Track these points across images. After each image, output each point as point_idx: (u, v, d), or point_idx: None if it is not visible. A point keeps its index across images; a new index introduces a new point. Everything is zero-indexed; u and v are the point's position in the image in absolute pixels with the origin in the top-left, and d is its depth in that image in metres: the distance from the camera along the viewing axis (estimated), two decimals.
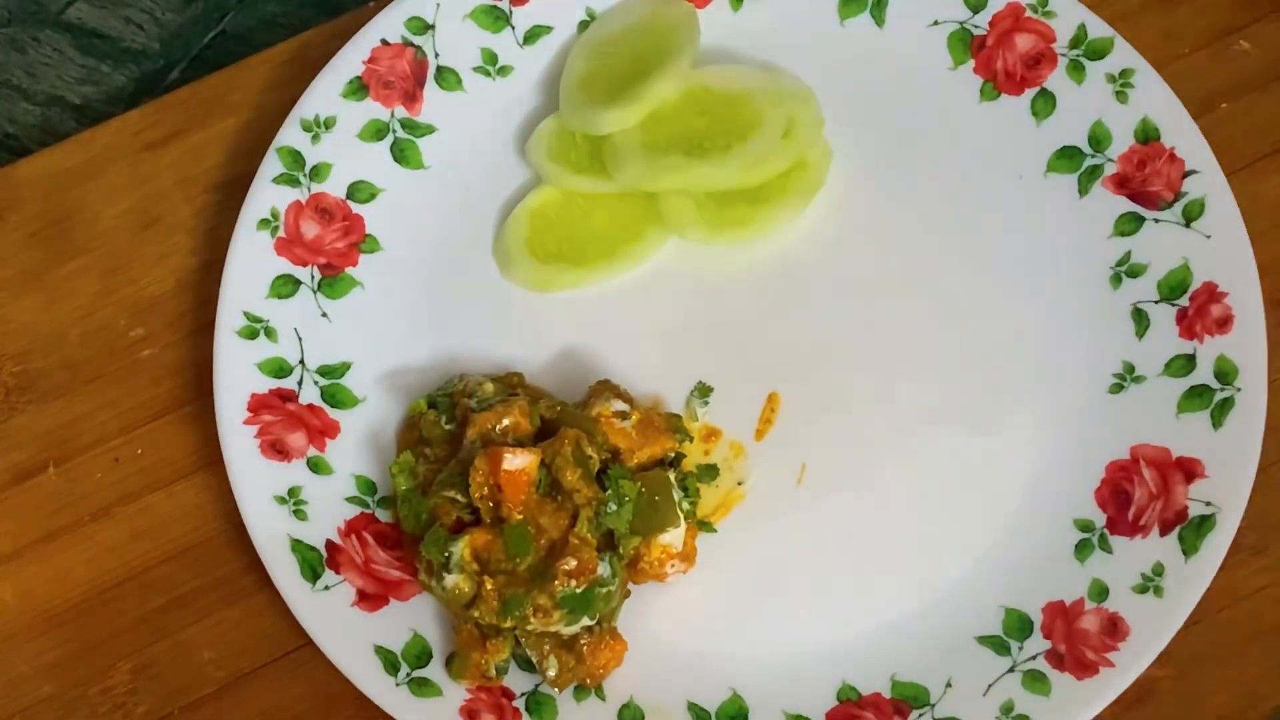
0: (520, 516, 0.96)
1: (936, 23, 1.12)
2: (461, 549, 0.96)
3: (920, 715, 0.98)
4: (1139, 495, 1.01)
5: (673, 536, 0.99)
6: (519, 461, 0.96)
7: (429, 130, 1.12)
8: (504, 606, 0.95)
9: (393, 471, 1.01)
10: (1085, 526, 1.01)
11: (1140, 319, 1.04)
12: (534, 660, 0.97)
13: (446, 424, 1.02)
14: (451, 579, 0.96)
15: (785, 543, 1.03)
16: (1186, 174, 1.06)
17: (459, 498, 0.97)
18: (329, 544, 1.02)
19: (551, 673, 0.97)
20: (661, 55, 1.10)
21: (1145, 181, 1.06)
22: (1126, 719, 0.99)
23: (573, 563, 0.95)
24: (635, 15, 1.14)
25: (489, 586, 0.95)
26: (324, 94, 1.11)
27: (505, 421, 0.99)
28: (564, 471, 0.97)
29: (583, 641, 0.97)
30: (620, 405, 1.01)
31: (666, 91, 1.09)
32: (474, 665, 0.97)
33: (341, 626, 1.00)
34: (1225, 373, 1.02)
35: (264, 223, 1.08)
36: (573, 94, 1.11)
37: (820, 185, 1.09)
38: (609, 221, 1.10)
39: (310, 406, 1.05)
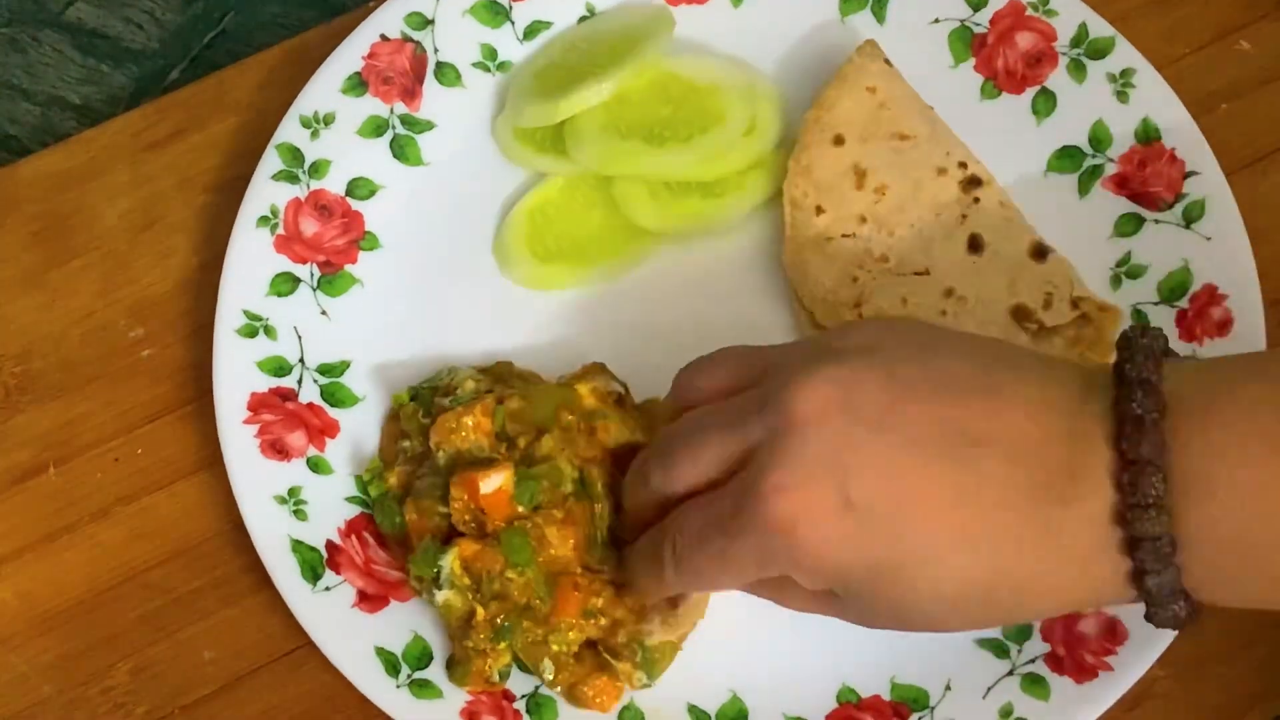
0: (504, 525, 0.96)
1: (937, 20, 1.12)
2: (451, 562, 0.96)
3: (920, 718, 0.98)
4: None
5: None
6: (495, 481, 0.96)
7: (428, 126, 1.12)
8: (497, 634, 0.96)
9: (364, 479, 1.02)
10: None
11: (1140, 321, 1.04)
12: (530, 665, 0.97)
13: (424, 418, 1.02)
14: (442, 594, 0.96)
15: None
16: (1187, 175, 1.06)
17: (442, 509, 0.97)
18: (329, 544, 1.02)
19: (548, 675, 0.97)
20: (615, 57, 1.10)
21: (1146, 182, 1.06)
22: None
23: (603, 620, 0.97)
24: (615, 17, 1.14)
25: (481, 616, 0.96)
26: (323, 90, 1.11)
27: (467, 421, 0.98)
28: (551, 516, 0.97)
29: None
30: (616, 386, 1.01)
31: (590, 101, 1.09)
32: (476, 671, 0.97)
33: (342, 627, 1.00)
34: None
35: (263, 220, 1.08)
36: (523, 83, 1.12)
37: (776, 187, 1.09)
38: (609, 221, 1.10)
39: (310, 405, 1.05)
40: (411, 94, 1.12)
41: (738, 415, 0.86)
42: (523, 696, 0.99)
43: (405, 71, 1.12)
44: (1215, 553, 0.77)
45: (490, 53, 1.13)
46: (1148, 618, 0.81)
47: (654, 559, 0.90)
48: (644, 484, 0.91)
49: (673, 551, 0.88)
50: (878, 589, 0.82)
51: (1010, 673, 0.98)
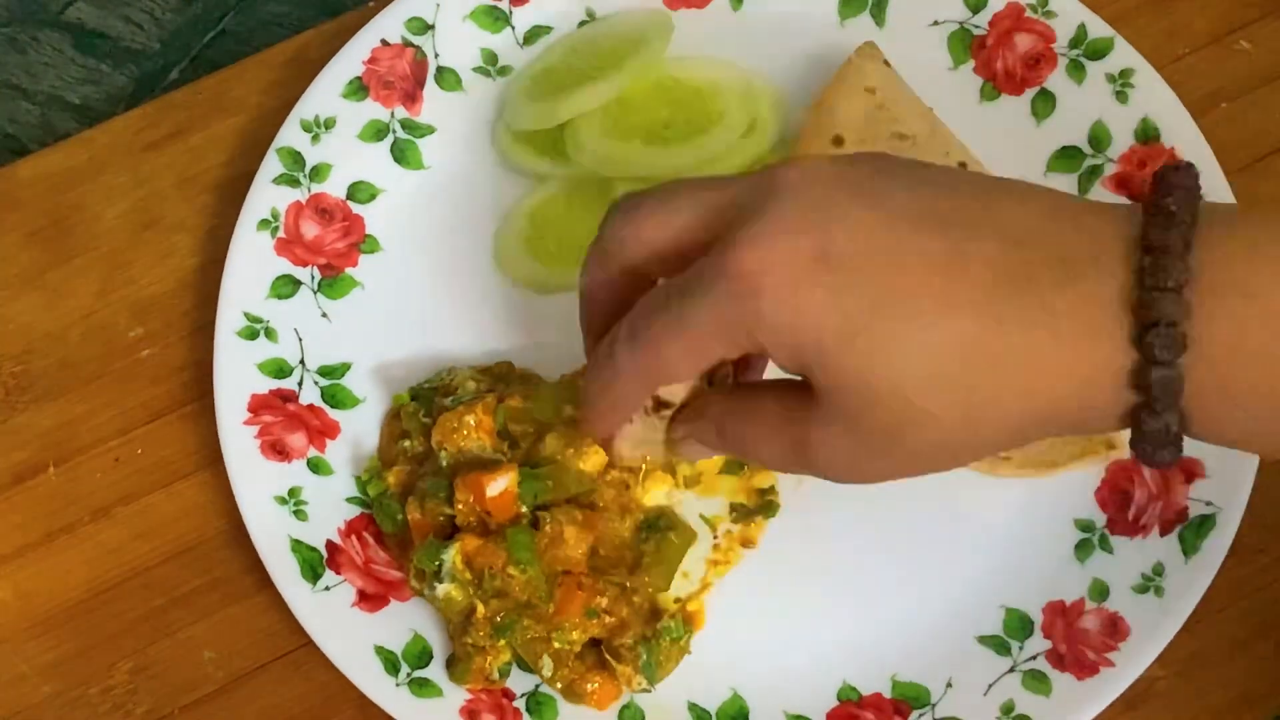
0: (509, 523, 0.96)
1: (936, 23, 1.12)
2: (453, 556, 0.96)
3: (921, 715, 0.98)
4: (1139, 495, 1.01)
5: None
6: (501, 484, 0.96)
7: (429, 130, 1.12)
8: (496, 631, 0.96)
9: (363, 479, 1.02)
10: (1086, 526, 1.01)
11: None
12: (530, 663, 0.97)
13: (424, 418, 1.02)
14: (443, 588, 0.96)
15: (786, 543, 1.03)
16: None
17: (447, 509, 0.97)
18: (329, 544, 1.02)
19: (547, 672, 0.97)
20: (615, 60, 1.10)
21: (1146, 182, 1.06)
22: (1126, 719, 0.99)
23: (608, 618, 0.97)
24: (615, 21, 1.15)
25: (481, 613, 0.96)
26: (324, 94, 1.11)
27: (469, 420, 0.98)
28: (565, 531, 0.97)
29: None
30: None
31: (589, 104, 1.10)
32: (476, 669, 0.97)
33: (342, 627, 1.00)
34: None
35: (264, 223, 1.08)
36: (523, 86, 1.13)
37: None
38: None
39: (310, 407, 1.05)
40: (412, 98, 1.12)
41: (720, 181, 0.81)
42: (523, 695, 0.99)
43: (406, 76, 1.12)
44: (1229, 362, 0.71)
45: (490, 57, 1.14)
46: (1134, 439, 0.74)
47: (607, 347, 0.83)
48: (600, 252, 0.85)
49: (628, 325, 0.82)
50: (848, 354, 0.74)
51: (1011, 669, 0.98)
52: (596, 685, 0.97)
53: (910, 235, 0.75)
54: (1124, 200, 1.06)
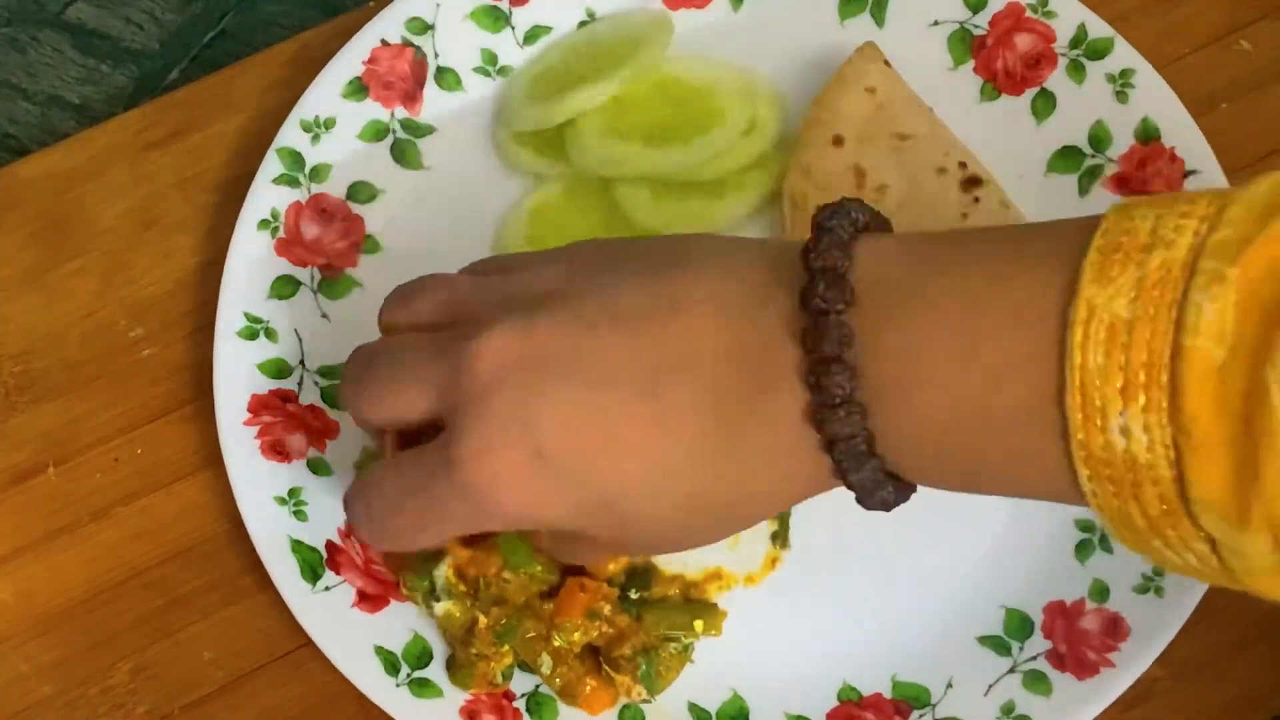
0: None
1: (936, 23, 1.12)
2: (445, 572, 0.96)
3: (921, 715, 0.98)
4: None
5: None
6: None
7: (429, 130, 1.12)
8: (500, 637, 0.96)
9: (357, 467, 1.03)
10: (1086, 527, 1.01)
11: None
12: (529, 661, 0.97)
13: None
14: (441, 606, 0.96)
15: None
16: (1187, 174, 1.06)
17: None
18: (329, 545, 1.02)
19: (546, 670, 0.97)
20: (615, 60, 1.10)
21: (1146, 182, 1.06)
22: (1126, 719, 0.99)
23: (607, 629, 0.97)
24: (615, 21, 1.15)
25: (483, 623, 0.96)
26: (324, 94, 1.11)
27: None
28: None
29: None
30: None
31: (589, 104, 1.10)
32: (480, 674, 0.97)
33: (342, 627, 1.00)
34: None
35: (264, 223, 1.08)
36: (523, 87, 1.13)
37: (776, 187, 1.09)
38: (609, 223, 1.09)
39: (310, 407, 1.05)
40: (412, 98, 1.12)
41: (434, 361, 0.84)
42: (523, 695, 0.99)
43: (406, 76, 1.12)
44: (912, 446, 0.76)
45: (490, 57, 1.14)
46: (858, 501, 0.80)
47: (350, 513, 0.89)
48: (347, 404, 0.90)
49: (366, 512, 0.87)
50: (593, 524, 0.82)
51: (1012, 670, 0.98)
52: (591, 688, 0.97)
53: (619, 405, 0.79)
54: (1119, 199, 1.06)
